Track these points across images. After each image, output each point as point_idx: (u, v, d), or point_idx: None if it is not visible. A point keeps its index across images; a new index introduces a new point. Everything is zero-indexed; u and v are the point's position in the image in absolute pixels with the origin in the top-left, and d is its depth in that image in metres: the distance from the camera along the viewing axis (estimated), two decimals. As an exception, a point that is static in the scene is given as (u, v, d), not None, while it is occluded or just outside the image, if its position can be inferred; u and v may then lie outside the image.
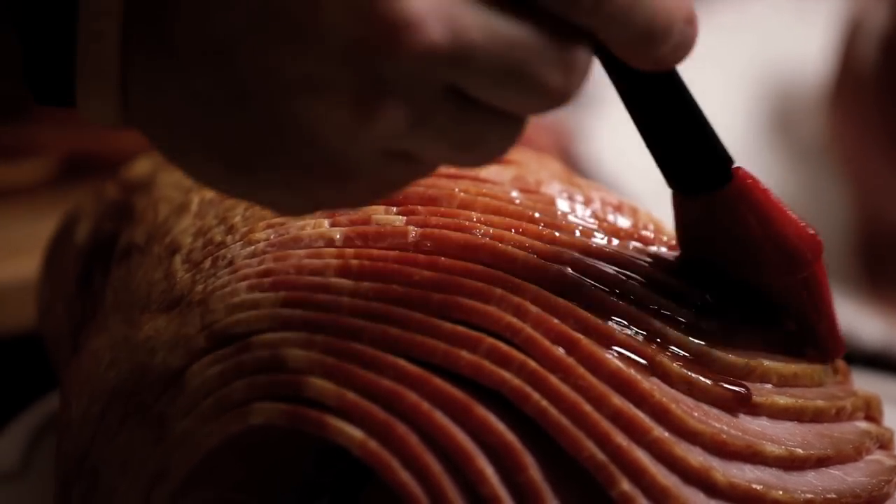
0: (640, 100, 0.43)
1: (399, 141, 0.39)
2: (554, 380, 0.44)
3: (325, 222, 0.48)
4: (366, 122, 0.39)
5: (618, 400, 0.44)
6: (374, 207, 0.48)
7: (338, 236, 0.47)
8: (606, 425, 0.44)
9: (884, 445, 0.49)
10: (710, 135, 0.43)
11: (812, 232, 0.45)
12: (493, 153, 0.40)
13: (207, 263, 0.48)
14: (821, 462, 0.47)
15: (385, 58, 0.38)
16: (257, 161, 0.40)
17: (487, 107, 0.39)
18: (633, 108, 0.43)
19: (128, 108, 0.41)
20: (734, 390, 0.46)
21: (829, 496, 0.45)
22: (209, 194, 0.51)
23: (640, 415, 0.44)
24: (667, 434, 0.45)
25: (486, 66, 0.38)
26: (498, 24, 0.38)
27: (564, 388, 0.44)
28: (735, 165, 0.44)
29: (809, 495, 0.45)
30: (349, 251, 0.47)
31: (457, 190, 0.49)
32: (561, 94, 0.40)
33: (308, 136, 0.39)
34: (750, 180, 0.44)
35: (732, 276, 0.46)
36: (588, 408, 0.44)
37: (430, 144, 0.40)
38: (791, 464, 0.46)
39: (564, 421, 0.44)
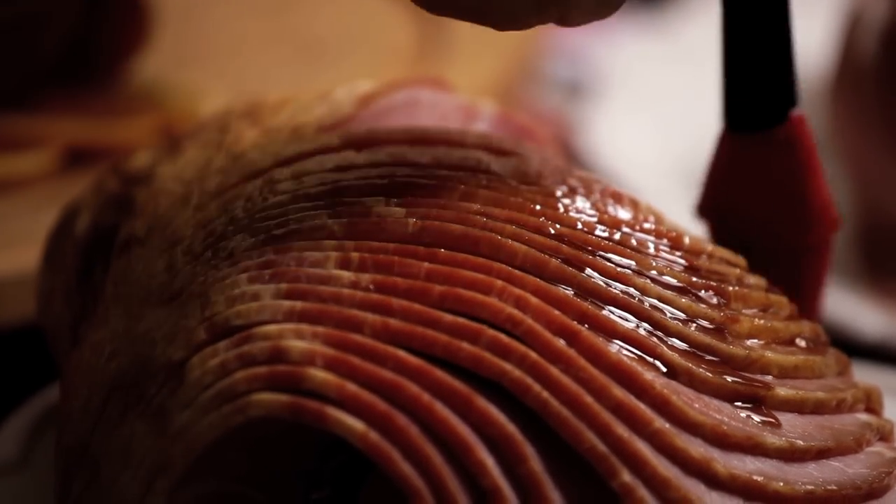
0: (741, 9, 0.41)
1: None
2: (555, 371, 0.44)
3: (325, 214, 0.48)
4: None
5: (618, 391, 0.44)
6: (375, 198, 0.48)
7: (338, 228, 0.47)
8: (607, 417, 0.44)
9: (884, 437, 0.49)
10: (793, 68, 0.43)
11: (835, 210, 0.45)
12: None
13: (208, 255, 0.48)
14: (821, 454, 0.47)
15: None
16: None
17: None
18: (731, 19, 0.42)
19: None
20: (734, 381, 0.47)
21: (829, 487, 0.45)
22: (210, 186, 0.51)
23: (641, 406, 0.44)
24: (667, 425, 0.45)
25: None
26: None
27: (565, 380, 0.44)
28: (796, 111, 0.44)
29: (810, 487, 0.45)
30: (349, 243, 0.47)
31: (457, 181, 0.49)
32: None
33: None
34: (806, 128, 0.44)
35: (742, 230, 0.45)
36: (589, 399, 0.44)
37: None
38: (792, 455, 0.46)
39: (565, 412, 0.44)
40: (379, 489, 0.44)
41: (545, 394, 0.44)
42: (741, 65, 0.42)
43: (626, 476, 0.43)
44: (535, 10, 0.40)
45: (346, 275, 0.46)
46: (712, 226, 0.47)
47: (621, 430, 0.44)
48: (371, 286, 0.45)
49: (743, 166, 0.44)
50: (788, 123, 0.43)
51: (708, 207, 0.45)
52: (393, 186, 0.49)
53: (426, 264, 0.46)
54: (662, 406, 0.45)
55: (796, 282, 0.46)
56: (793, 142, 0.43)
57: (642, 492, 0.43)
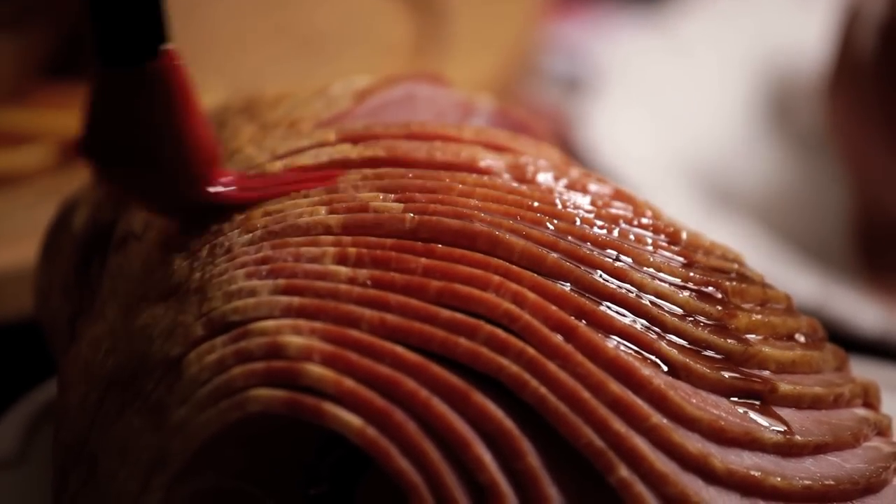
0: None
1: None
2: (552, 367, 0.44)
3: (323, 210, 0.48)
4: None
5: (616, 387, 0.44)
6: (372, 195, 0.48)
7: (335, 224, 0.47)
8: (605, 412, 0.44)
9: (882, 432, 0.49)
10: (159, 4, 0.43)
11: (210, 147, 0.45)
12: None
13: (205, 251, 0.48)
14: (819, 449, 0.47)
15: None
16: None
17: None
18: None
19: None
20: (732, 377, 0.47)
21: (827, 482, 0.45)
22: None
23: (639, 401, 0.44)
24: (665, 421, 0.45)
25: None
26: None
27: (563, 375, 0.44)
28: (168, 47, 0.44)
29: (807, 482, 0.45)
30: (346, 239, 0.47)
31: (454, 177, 0.49)
32: None
33: None
34: (176, 64, 0.44)
35: (122, 175, 0.45)
36: (586, 394, 0.44)
37: None
38: (789, 450, 0.46)
39: (563, 407, 0.44)
40: (377, 484, 0.44)
41: (543, 389, 0.44)
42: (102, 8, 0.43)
43: (624, 471, 0.43)
44: None
45: (344, 270, 0.46)
46: (96, 168, 0.46)
47: (619, 426, 0.44)
48: (368, 282, 0.45)
49: (119, 104, 0.44)
50: (157, 60, 0.43)
51: (90, 147, 0.45)
52: (390, 182, 0.49)
53: (423, 260, 0.46)
54: (660, 401, 0.45)
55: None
56: (161, 78, 0.43)
57: (640, 487, 0.43)
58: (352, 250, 0.46)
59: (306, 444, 0.45)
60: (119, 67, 0.44)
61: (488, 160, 0.50)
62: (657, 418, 0.44)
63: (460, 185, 0.49)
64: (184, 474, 0.44)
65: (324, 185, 0.46)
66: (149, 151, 0.44)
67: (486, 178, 0.49)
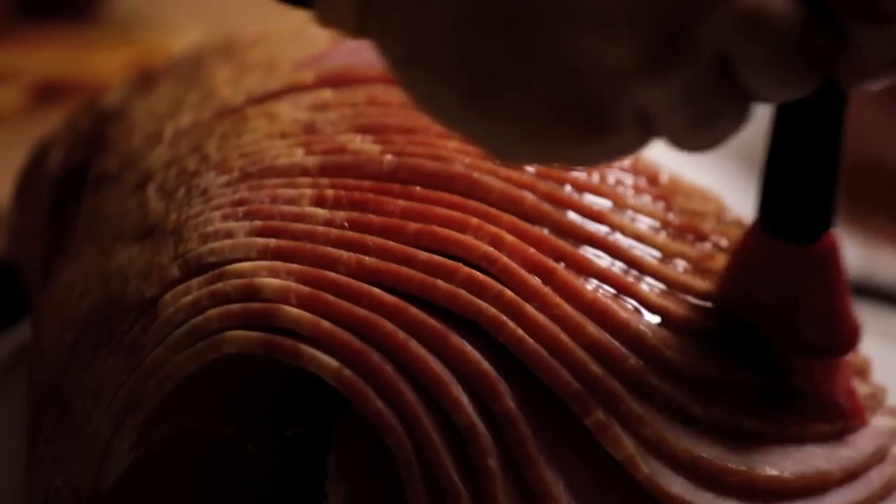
0: (793, 123, 0.42)
1: (656, 102, 0.37)
2: (530, 309, 0.44)
3: (300, 151, 0.47)
4: (647, 75, 0.36)
5: (594, 329, 0.44)
6: (350, 136, 0.48)
7: (312, 165, 0.47)
8: (582, 355, 0.44)
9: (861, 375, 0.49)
10: (835, 192, 0.43)
11: (858, 324, 0.45)
12: (719, 138, 0.38)
13: (181, 192, 0.48)
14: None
15: (699, 12, 0.36)
16: (505, 92, 0.37)
17: (737, 85, 0.37)
18: (784, 131, 0.42)
19: (369, 13, 0.38)
20: (710, 319, 0.46)
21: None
22: (183, 123, 0.51)
23: (616, 344, 0.44)
24: (642, 363, 0.44)
25: (771, 39, 0.37)
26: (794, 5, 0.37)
27: (541, 318, 0.44)
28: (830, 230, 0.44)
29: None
30: (324, 180, 0.46)
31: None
32: (803, 86, 0.38)
33: (575, 74, 0.37)
34: (837, 248, 0.44)
35: (757, 324, 0.46)
36: (564, 337, 0.44)
37: (672, 111, 0.37)
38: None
39: (540, 350, 0.44)
40: (353, 425, 0.44)
41: (520, 331, 0.44)
42: (785, 178, 0.43)
43: (600, 413, 0.43)
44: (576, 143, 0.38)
45: (321, 212, 0.45)
46: (729, 311, 0.46)
47: (596, 368, 0.44)
48: (346, 224, 0.45)
49: (770, 266, 0.44)
50: (822, 243, 0.43)
51: (729, 294, 0.45)
52: (368, 124, 0.48)
53: (401, 202, 0.46)
54: (638, 344, 0.45)
55: (813, 384, 0.46)
56: (824, 260, 0.43)
57: (616, 429, 0.43)
58: (329, 192, 0.46)
59: (282, 385, 0.45)
60: (781, 239, 0.44)
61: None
62: (634, 361, 0.44)
63: (438, 126, 0.48)
64: (158, 415, 0.43)
65: None
66: (793, 319, 0.45)
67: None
